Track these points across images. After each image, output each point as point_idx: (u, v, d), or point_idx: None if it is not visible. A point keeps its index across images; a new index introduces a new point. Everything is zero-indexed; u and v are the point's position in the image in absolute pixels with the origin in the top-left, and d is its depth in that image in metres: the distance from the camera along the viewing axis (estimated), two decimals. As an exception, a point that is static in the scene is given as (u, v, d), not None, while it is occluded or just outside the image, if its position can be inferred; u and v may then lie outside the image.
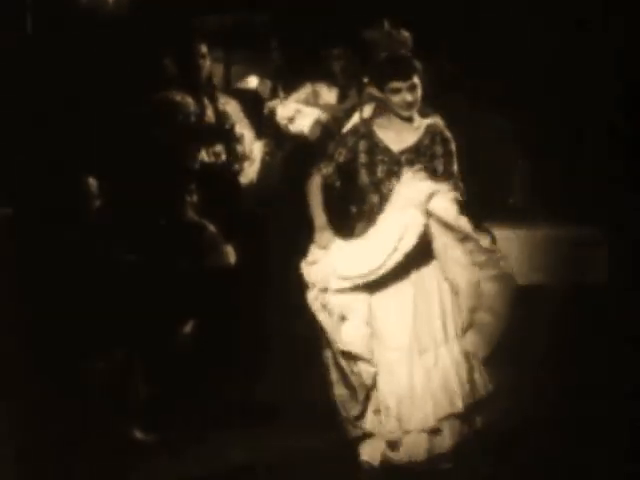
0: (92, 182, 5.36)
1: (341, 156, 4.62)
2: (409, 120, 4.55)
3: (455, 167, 4.59)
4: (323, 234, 4.53)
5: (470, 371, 4.47)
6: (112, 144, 5.62)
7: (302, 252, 4.66)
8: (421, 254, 4.45)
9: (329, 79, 6.76)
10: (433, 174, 4.52)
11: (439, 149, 4.55)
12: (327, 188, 4.68)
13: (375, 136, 4.59)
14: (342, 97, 6.76)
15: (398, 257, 4.36)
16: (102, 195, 5.42)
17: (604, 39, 6.90)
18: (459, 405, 4.41)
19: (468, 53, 6.88)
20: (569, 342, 5.78)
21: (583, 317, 6.00)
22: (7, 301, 4.90)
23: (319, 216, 4.59)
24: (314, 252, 4.52)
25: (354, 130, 4.70)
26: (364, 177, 4.58)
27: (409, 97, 4.46)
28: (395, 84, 4.45)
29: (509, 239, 6.24)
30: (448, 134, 4.63)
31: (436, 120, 4.76)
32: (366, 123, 4.72)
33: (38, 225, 5.23)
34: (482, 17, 6.93)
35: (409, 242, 4.34)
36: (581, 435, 4.91)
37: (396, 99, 4.49)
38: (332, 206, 4.72)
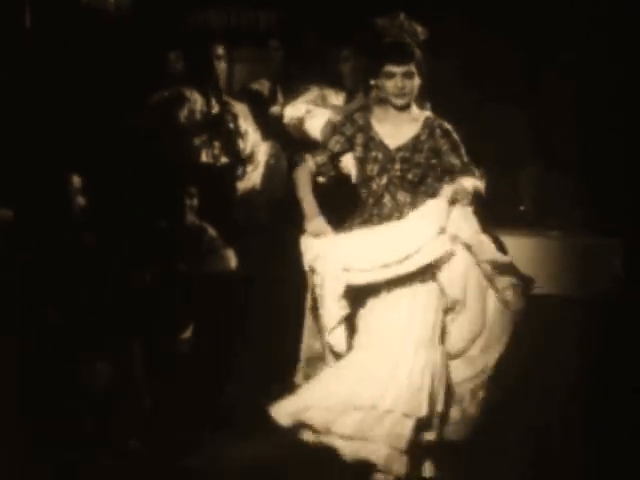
0: (81, 182, 5.26)
1: (338, 144, 4.48)
2: (404, 109, 4.39)
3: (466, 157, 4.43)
4: (314, 221, 4.36)
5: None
6: (112, 143, 5.57)
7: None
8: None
9: (336, 82, 6.64)
10: (433, 172, 4.37)
11: (443, 143, 4.39)
12: (319, 178, 4.55)
13: (372, 129, 4.44)
14: (349, 100, 6.64)
15: (409, 267, 4.22)
16: (99, 196, 5.36)
17: (618, 41, 6.80)
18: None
19: (480, 56, 6.79)
20: (583, 351, 5.72)
21: (598, 325, 5.89)
22: (7, 303, 4.81)
23: (309, 203, 4.42)
24: (309, 244, 4.34)
25: (352, 120, 4.52)
26: (355, 172, 4.49)
27: (401, 83, 4.31)
28: (389, 67, 4.30)
29: (521, 247, 6.11)
30: (447, 125, 4.47)
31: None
32: (364, 114, 4.54)
33: (37, 227, 5.16)
34: (498, 18, 6.83)
35: (423, 259, 4.22)
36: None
37: (389, 84, 4.33)
38: (324, 198, 4.55)
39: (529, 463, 4.66)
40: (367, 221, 4.41)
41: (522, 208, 6.86)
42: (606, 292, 6.25)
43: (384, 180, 4.37)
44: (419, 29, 4.41)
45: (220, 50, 6.35)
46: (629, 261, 6.36)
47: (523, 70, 6.93)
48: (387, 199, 4.37)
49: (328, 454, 4.24)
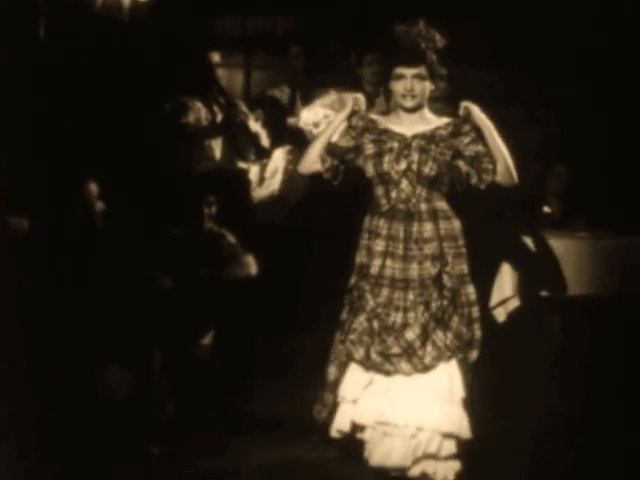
0: (98, 188, 5.25)
1: (344, 140, 4.42)
2: (414, 111, 4.36)
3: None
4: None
5: None
6: (126, 151, 5.55)
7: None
8: None
9: (354, 86, 6.57)
10: (448, 171, 4.34)
11: (467, 137, 4.30)
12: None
13: (380, 124, 4.41)
14: (369, 104, 6.56)
15: None
16: (117, 206, 5.34)
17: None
18: None
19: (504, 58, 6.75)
20: (613, 350, 5.69)
21: (627, 327, 5.86)
22: (26, 312, 4.75)
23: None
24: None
25: (355, 122, 4.45)
26: (370, 169, 4.38)
27: (410, 85, 4.29)
28: (399, 69, 4.30)
29: (550, 248, 6.08)
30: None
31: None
32: (363, 117, 4.47)
33: (54, 235, 5.10)
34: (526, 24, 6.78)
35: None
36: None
37: (399, 86, 4.32)
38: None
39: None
40: (378, 212, 4.34)
41: (546, 209, 6.74)
42: (636, 292, 6.14)
43: (402, 166, 4.30)
44: (437, 36, 4.37)
45: (216, 57, 6.42)
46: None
47: (549, 68, 6.89)
48: (405, 184, 4.30)
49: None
